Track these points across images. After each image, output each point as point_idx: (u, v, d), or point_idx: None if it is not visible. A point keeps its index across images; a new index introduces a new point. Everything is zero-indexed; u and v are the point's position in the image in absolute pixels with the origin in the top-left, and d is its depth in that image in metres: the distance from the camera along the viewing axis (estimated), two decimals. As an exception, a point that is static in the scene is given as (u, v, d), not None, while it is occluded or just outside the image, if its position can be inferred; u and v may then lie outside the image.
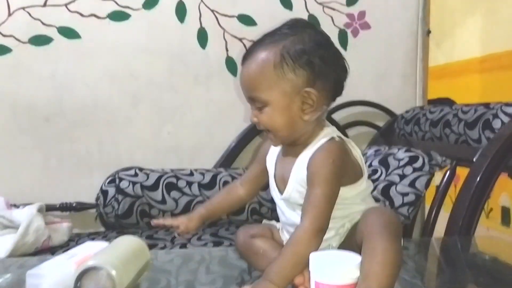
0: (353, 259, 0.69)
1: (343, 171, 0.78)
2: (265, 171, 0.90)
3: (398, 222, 0.75)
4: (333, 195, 0.77)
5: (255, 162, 0.95)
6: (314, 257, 0.69)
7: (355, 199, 0.83)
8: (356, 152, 0.84)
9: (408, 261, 1.00)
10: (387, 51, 1.91)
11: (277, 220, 0.92)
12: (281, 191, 0.85)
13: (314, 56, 0.77)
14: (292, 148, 0.83)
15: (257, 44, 0.80)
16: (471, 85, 2.90)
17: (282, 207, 0.86)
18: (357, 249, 0.74)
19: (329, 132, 0.82)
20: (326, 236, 0.81)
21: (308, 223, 0.74)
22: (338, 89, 0.82)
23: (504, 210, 2.48)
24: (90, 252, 0.83)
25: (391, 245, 0.69)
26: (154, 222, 0.93)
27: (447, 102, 2.77)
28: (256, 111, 0.81)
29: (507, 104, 1.31)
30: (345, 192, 0.80)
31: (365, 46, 1.88)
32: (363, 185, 0.83)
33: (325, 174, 0.76)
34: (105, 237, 1.41)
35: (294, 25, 0.81)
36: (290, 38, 0.78)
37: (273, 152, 0.89)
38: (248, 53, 0.81)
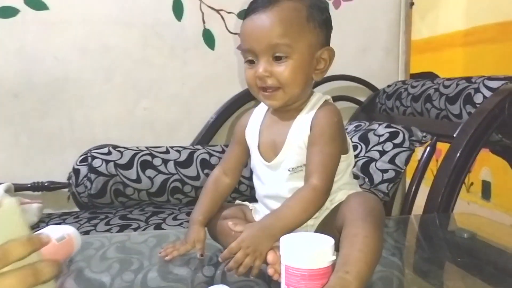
0: (325, 242, 0.66)
1: (344, 134, 0.80)
2: (245, 150, 0.88)
3: (381, 210, 0.73)
4: (338, 156, 0.78)
5: (233, 144, 0.92)
6: (284, 239, 0.66)
7: (341, 172, 0.82)
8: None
9: (387, 239, 0.98)
10: (369, 24, 1.86)
11: (255, 199, 0.89)
12: (268, 160, 0.82)
13: (330, 18, 0.81)
14: (284, 113, 0.82)
15: None
16: (455, 59, 2.87)
17: (266, 176, 0.83)
18: (337, 233, 0.72)
19: (321, 95, 0.83)
20: None
21: (318, 181, 0.75)
22: None
23: (485, 184, 2.49)
24: (51, 235, 0.79)
25: (373, 232, 0.67)
26: (162, 254, 0.84)
27: (430, 76, 2.75)
28: (268, 63, 0.77)
29: (490, 78, 1.28)
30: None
31: (347, 18, 1.83)
32: (351, 157, 0.83)
33: (332, 133, 0.77)
34: (77, 217, 1.37)
35: None
36: None
37: (255, 122, 0.87)
38: (266, 2, 0.77)
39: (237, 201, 0.94)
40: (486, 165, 2.21)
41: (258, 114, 0.88)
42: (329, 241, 0.66)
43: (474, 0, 2.74)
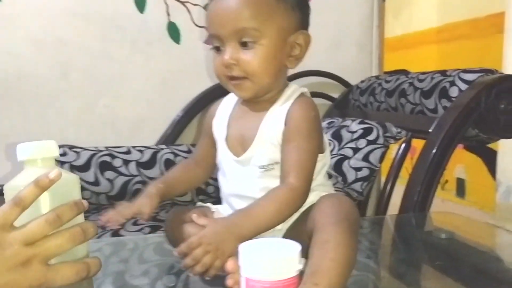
0: (290, 248, 0.58)
1: (321, 131, 0.72)
2: (215, 143, 0.80)
3: (356, 213, 0.65)
4: (316, 153, 0.70)
5: (202, 136, 0.84)
6: (243, 247, 0.58)
7: (316, 173, 0.74)
8: None
9: (362, 240, 0.94)
10: (342, 18, 1.81)
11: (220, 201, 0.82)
12: (236, 154, 0.74)
13: (307, 3, 0.74)
14: (255, 104, 0.74)
15: None
16: (428, 56, 2.86)
17: (234, 173, 0.75)
18: (306, 238, 0.64)
19: (297, 87, 0.74)
20: None
21: (296, 181, 0.67)
22: None
23: (459, 182, 2.48)
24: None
25: (347, 239, 0.59)
26: (103, 219, 0.74)
27: (404, 73, 2.73)
28: (235, 50, 0.69)
29: (465, 71, 1.24)
30: None
31: (319, 12, 1.73)
32: (327, 157, 0.76)
33: (310, 128, 0.70)
34: (29, 224, 1.26)
35: None
36: None
37: (223, 114, 0.78)
38: None
39: (198, 203, 0.85)
40: (460, 163, 2.19)
41: (227, 104, 0.79)
42: (295, 247, 0.59)
43: (447, -3, 2.74)
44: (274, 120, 0.71)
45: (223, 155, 0.77)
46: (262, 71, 0.69)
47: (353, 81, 1.76)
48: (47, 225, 0.54)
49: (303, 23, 0.72)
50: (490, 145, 1.73)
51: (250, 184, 0.73)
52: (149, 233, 1.16)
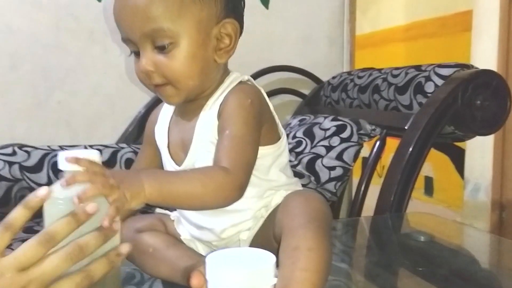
0: (264, 259, 0.51)
1: (262, 117, 0.63)
2: (158, 151, 0.71)
3: (327, 211, 0.59)
4: (253, 143, 0.60)
5: (144, 145, 0.75)
6: (210, 258, 0.51)
7: (272, 166, 0.66)
8: (270, 106, 0.67)
9: (335, 243, 0.90)
10: (312, 12, 1.76)
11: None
12: (178, 162, 0.66)
13: None
14: (191, 104, 0.65)
15: None
16: (396, 54, 2.87)
17: None
18: (276, 245, 0.58)
19: (237, 75, 0.66)
20: (239, 219, 0.65)
21: (227, 165, 0.57)
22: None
23: (427, 180, 2.49)
24: None
25: (319, 243, 0.53)
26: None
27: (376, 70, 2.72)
28: (151, 54, 0.60)
29: (440, 66, 1.20)
30: (261, 153, 0.63)
31: (288, 6, 1.72)
32: (283, 146, 0.68)
33: (244, 115, 0.61)
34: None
35: None
36: None
37: (164, 119, 0.71)
38: None
39: (157, 210, 0.76)
40: (428, 160, 2.18)
41: (167, 109, 0.71)
42: (269, 258, 0.51)
43: (414, -5, 2.74)
44: (209, 117, 0.63)
45: (167, 163, 0.69)
46: (184, 74, 0.61)
47: (324, 77, 1.71)
48: (40, 247, 0.48)
49: (229, 10, 0.63)
50: (457, 144, 1.72)
51: None
52: None
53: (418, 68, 1.25)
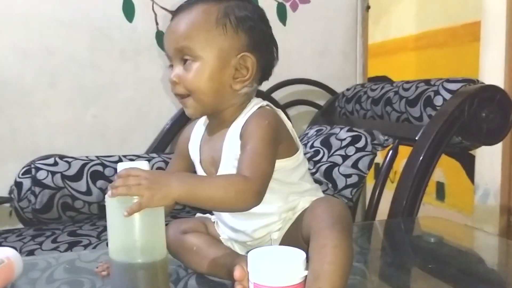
0: (296, 256, 0.61)
1: (279, 136, 0.73)
2: (189, 164, 0.82)
3: (348, 215, 0.68)
4: (271, 158, 0.70)
5: (175, 158, 0.86)
6: (252, 255, 0.61)
7: (293, 174, 0.77)
8: (288, 125, 0.78)
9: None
10: (327, 27, 1.84)
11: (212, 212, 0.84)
12: (211, 175, 0.77)
13: (257, 26, 0.75)
14: (218, 124, 0.77)
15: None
16: (407, 63, 2.94)
17: None
18: (304, 244, 0.67)
19: (258, 102, 0.77)
20: (267, 221, 0.75)
21: (248, 174, 0.67)
22: (266, 72, 0.78)
23: (439, 185, 2.55)
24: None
25: (343, 241, 0.62)
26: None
27: (384, 80, 2.80)
28: (179, 68, 0.73)
29: (448, 80, 1.28)
30: (282, 164, 0.74)
31: (304, 21, 1.80)
32: (300, 158, 0.78)
33: (263, 134, 0.71)
34: (20, 235, 1.25)
35: None
36: (233, 1, 0.74)
37: (196, 137, 0.82)
38: (184, 6, 0.74)
39: (198, 214, 0.87)
40: (439, 166, 2.26)
41: (199, 128, 0.82)
42: (300, 255, 0.61)
43: (425, 5, 2.82)
44: (234, 137, 0.74)
45: None
46: (199, 89, 0.72)
47: (339, 88, 1.80)
48: None
49: (250, 47, 0.74)
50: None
51: None
52: (65, 250, 1.14)
53: (427, 82, 1.33)
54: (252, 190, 0.66)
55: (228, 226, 0.79)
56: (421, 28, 2.82)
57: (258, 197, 0.67)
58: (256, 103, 0.76)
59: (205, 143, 0.80)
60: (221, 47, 0.72)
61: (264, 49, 0.76)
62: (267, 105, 0.77)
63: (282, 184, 0.75)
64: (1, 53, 1.48)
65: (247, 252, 0.64)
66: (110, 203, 0.65)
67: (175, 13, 0.75)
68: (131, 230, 0.64)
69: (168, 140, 1.64)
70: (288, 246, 0.65)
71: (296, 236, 0.72)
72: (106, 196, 0.65)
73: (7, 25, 1.47)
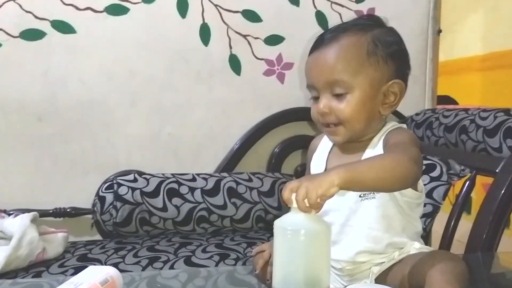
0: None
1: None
2: None
3: (468, 275, 0.67)
4: (421, 158, 0.71)
5: (307, 170, 0.90)
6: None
7: (416, 209, 0.79)
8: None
9: None
10: (397, 51, 1.84)
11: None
12: None
13: (400, 50, 0.78)
14: (354, 144, 0.80)
15: (339, 30, 0.77)
16: (472, 83, 2.86)
17: (332, 204, 0.72)
18: (405, 285, 0.68)
19: (394, 124, 0.81)
20: (373, 247, 0.76)
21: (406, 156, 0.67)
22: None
23: None
24: (95, 279, 0.75)
25: None
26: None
27: (447, 100, 2.73)
28: (328, 99, 0.76)
29: (531, 112, 1.25)
30: (410, 193, 0.76)
31: None
32: (423, 197, 0.80)
33: (407, 135, 0.75)
34: (103, 247, 1.33)
35: (372, 19, 0.80)
36: (377, 29, 0.77)
37: (322, 150, 0.86)
38: (330, 37, 0.77)
39: None
40: None
41: (326, 142, 0.86)
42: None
43: (492, 26, 2.74)
44: (376, 150, 0.77)
45: None
46: (353, 118, 0.75)
47: (407, 112, 1.78)
48: None
49: (398, 72, 0.77)
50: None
51: (350, 213, 0.77)
52: (146, 265, 1.21)
53: (507, 112, 1.30)
54: (410, 163, 0.65)
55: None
56: (488, 49, 2.74)
57: (416, 173, 0.66)
58: (394, 123, 0.81)
59: (336, 157, 0.83)
60: (373, 77, 0.75)
61: (405, 70, 0.80)
62: (402, 126, 0.81)
63: (404, 214, 0.77)
64: (89, 74, 1.59)
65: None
66: (283, 234, 0.62)
67: (318, 44, 0.78)
68: (297, 259, 0.61)
69: (236, 160, 1.69)
70: (383, 286, 0.66)
71: (396, 277, 0.72)
72: (275, 222, 0.63)
73: (95, 49, 1.58)
